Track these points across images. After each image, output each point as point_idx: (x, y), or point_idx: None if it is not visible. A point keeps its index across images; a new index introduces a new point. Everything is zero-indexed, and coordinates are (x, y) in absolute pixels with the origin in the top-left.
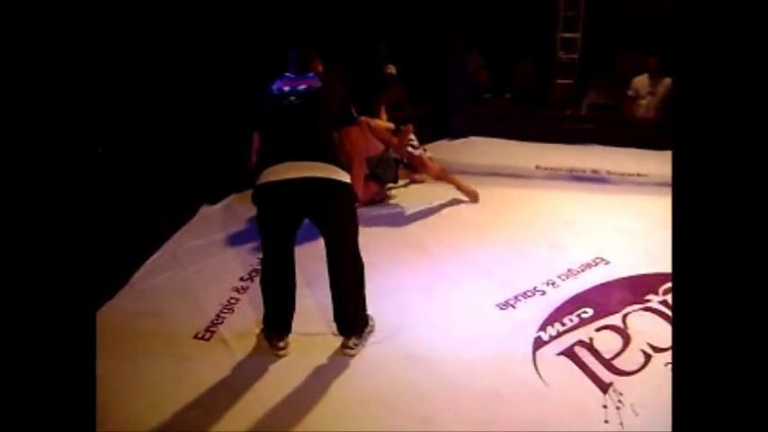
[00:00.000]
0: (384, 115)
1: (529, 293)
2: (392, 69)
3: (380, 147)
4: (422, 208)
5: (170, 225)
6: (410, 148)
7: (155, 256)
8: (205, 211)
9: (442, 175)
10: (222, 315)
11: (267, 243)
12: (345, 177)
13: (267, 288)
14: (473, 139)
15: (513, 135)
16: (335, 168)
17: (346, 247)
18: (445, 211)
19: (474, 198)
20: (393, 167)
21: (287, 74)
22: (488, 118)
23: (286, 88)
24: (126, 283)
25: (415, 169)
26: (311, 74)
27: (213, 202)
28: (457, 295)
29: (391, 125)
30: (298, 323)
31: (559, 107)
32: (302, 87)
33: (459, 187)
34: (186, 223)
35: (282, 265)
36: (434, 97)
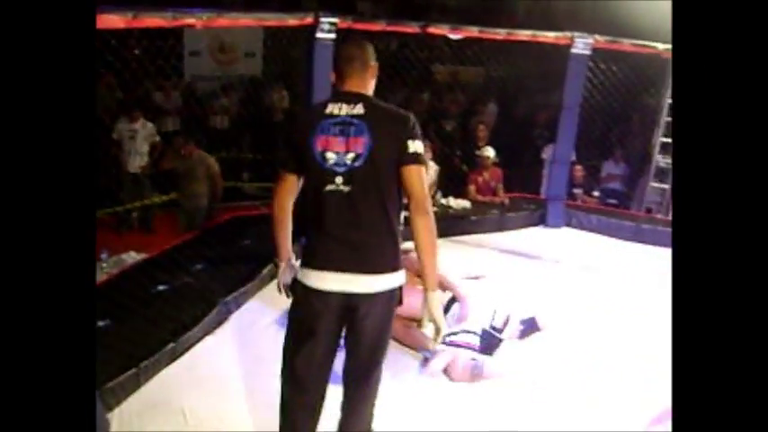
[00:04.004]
0: None
1: None
2: (489, 152)
3: None
4: None
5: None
6: None
7: (254, 300)
8: None
9: None
10: None
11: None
12: None
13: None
14: (567, 230)
15: (603, 231)
16: None
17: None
18: None
19: None
20: None
21: None
22: (582, 212)
23: None
24: (225, 322)
25: None
26: None
27: None
28: None
29: None
30: None
31: (648, 211)
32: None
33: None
34: None
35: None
36: (530, 185)
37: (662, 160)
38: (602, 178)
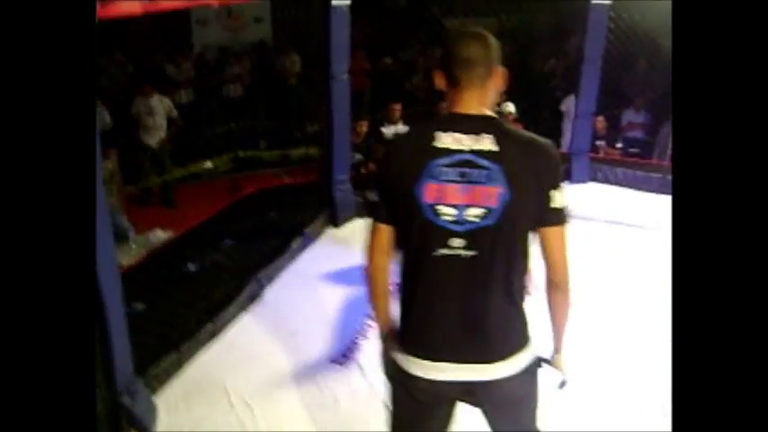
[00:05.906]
0: None
1: None
2: (510, 108)
3: None
4: None
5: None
6: None
7: (285, 273)
8: (330, 232)
9: None
10: (357, 342)
11: None
12: None
13: None
14: (592, 185)
15: (630, 185)
16: None
17: None
18: None
19: None
20: None
21: None
22: (607, 165)
23: None
24: (258, 298)
25: None
26: None
27: (336, 224)
28: None
29: None
30: None
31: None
32: None
33: None
34: (312, 244)
35: None
36: (550, 138)
37: None
38: (623, 128)
